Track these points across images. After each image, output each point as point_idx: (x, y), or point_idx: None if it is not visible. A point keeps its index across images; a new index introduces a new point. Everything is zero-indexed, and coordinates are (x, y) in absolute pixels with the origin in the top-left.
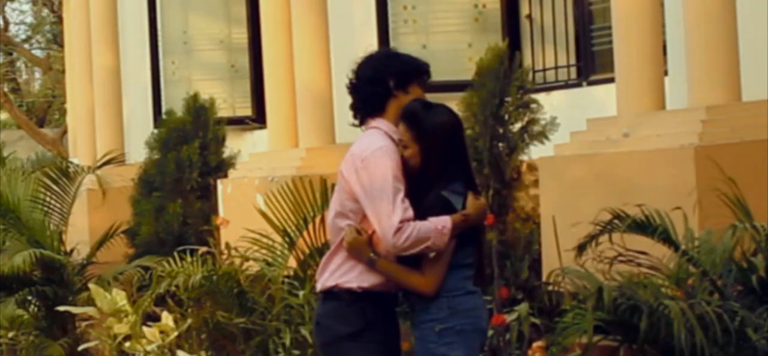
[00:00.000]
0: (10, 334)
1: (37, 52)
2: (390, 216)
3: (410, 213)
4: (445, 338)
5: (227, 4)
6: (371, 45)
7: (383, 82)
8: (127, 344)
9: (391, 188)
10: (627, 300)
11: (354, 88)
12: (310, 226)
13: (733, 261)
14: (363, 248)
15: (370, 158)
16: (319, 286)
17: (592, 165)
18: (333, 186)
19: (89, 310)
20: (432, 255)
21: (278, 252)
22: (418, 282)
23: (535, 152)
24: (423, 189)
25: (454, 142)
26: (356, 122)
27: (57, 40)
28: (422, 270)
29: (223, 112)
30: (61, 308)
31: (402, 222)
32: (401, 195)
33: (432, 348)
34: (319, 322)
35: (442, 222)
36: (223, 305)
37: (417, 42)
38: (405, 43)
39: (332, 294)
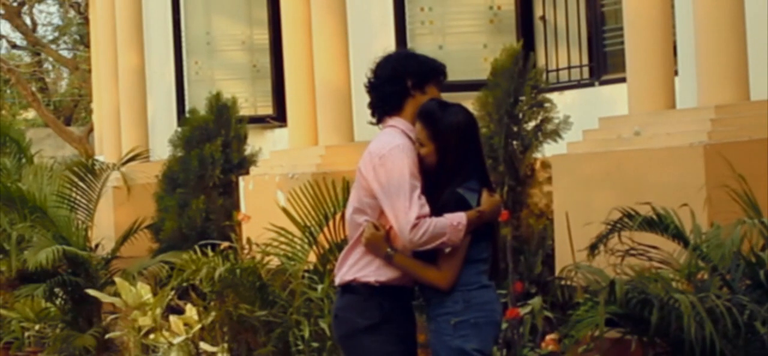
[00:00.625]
0: (37, 326)
1: (64, 53)
2: (407, 213)
3: (426, 209)
4: (460, 331)
5: (249, 5)
6: (389, 45)
7: (401, 81)
8: (152, 336)
9: (408, 185)
10: (638, 293)
11: (372, 87)
12: (330, 222)
13: (741, 256)
14: (381, 243)
15: (387, 156)
16: (337, 280)
17: (604, 162)
18: (352, 183)
19: (115, 300)
20: (447, 250)
21: (298, 247)
22: (434, 277)
23: (548, 150)
24: (439, 186)
25: (469, 141)
26: (374, 120)
27: (83, 41)
28: (438, 264)
29: (244, 110)
30: (90, 291)
31: (418, 218)
32: (417, 192)
33: (447, 341)
34: (337, 315)
35: (458, 219)
36: (244, 298)
37: (433, 43)
38: (422, 43)
39: (350, 287)
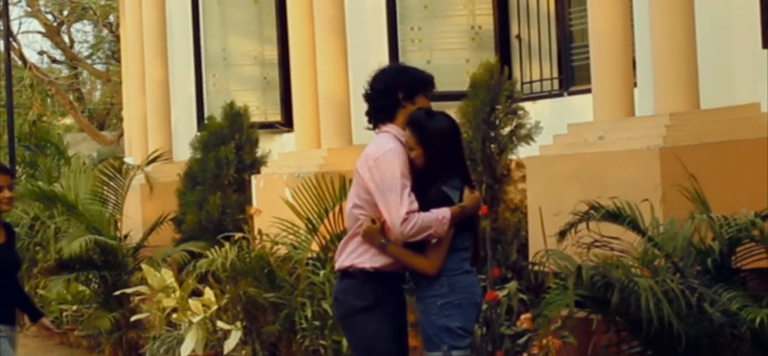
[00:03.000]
0: (74, 307)
1: (98, 66)
2: (398, 209)
3: (415, 205)
4: (445, 311)
5: (261, 25)
6: (383, 60)
7: (394, 93)
8: (175, 315)
9: (399, 184)
10: (602, 278)
11: (368, 98)
12: (331, 215)
13: (692, 245)
14: (376, 235)
15: (381, 158)
16: (337, 266)
17: (572, 163)
18: (351, 181)
19: (141, 288)
20: (434, 241)
21: (303, 238)
22: (423, 264)
23: (522, 152)
24: (426, 184)
25: (452, 145)
26: (370, 126)
27: (115, 56)
28: (426, 253)
29: (256, 117)
30: (117, 293)
31: (408, 213)
32: (407, 190)
33: (434, 320)
34: (337, 297)
35: (442, 213)
36: (255, 283)
37: (422, 58)
38: (412, 58)
39: (348, 273)
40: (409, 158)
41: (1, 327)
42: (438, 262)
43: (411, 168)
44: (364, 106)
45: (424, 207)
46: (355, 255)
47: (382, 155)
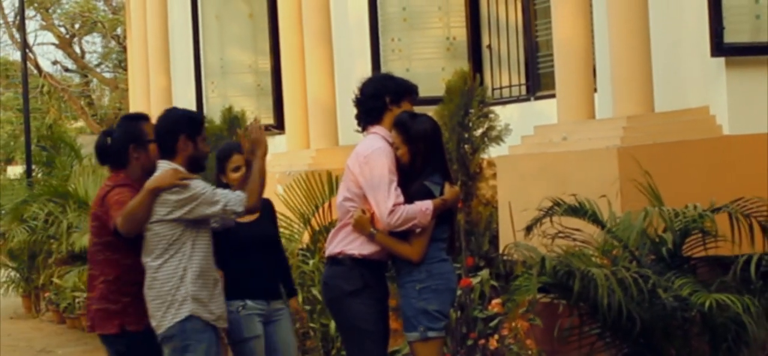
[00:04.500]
0: (85, 295)
1: (107, 75)
2: (386, 201)
3: (401, 198)
4: (423, 294)
5: (255, 37)
6: (366, 68)
7: (382, 98)
8: None
9: (386, 180)
10: (564, 267)
11: (359, 102)
12: (320, 209)
13: (647, 236)
14: (366, 224)
15: (370, 156)
16: (327, 253)
17: (538, 162)
18: (338, 178)
19: None
20: (418, 230)
21: (295, 229)
22: (407, 251)
23: (493, 152)
24: (410, 179)
25: (433, 145)
26: (359, 129)
27: (122, 65)
28: (410, 242)
29: (251, 121)
30: None
31: (395, 205)
32: (394, 184)
33: (413, 303)
34: (326, 282)
35: (426, 205)
36: None
37: (402, 66)
38: (392, 67)
39: (338, 259)
40: (396, 156)
41: (259, 303)
42: (421, 249)
43: (397, 165)
44: (351, 110)
45: (408, 200)
46: (345, 243)
47: (372, 153)
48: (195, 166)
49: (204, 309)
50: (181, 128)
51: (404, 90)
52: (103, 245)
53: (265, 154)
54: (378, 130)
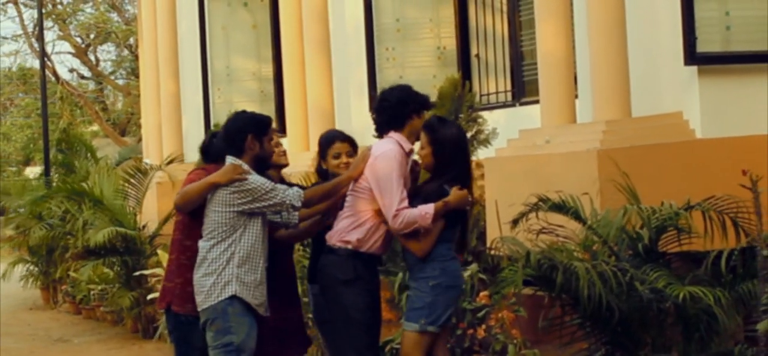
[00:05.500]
0: (100, 287)
1: (120, 82)
2: (391, 207)
3: (405, 203)
4: (435, 290)
5: (258, 46)
6: (363, 77)
7: (407, 106)
8: None
9: (394, 184)
10: (548, 260)
11: (383, 108)
12: None
13: (625, 232)
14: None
15: (381, 157)
16: (328, 241)
17: (523, 163)
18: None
19: (157, 270)
20: (422, 231)
21: None
22: (414, 247)
23: (481, 154)
24: (431, 178)
25: (458, 149)
26: (377, 134)
27: (134, 73)
28: (419, 239)
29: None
30: (136, 274)
31: (398, 210)
32: (401, 189)
33: (424, 297)
34: (321, 270)
35: (426, 209)
36: None
37: (396, 74)
38: (387, 74)
39: (334, 249)
40: (421, 154)
41: None
42: (427, 246)
43: (420, 166)
44: (349, 115)
45: (424, 197)
46: (343, 235)
47: (383, 154)
48: (261, 165)
49: (248, 292)
50: (248, 128)
51: (425, 103)
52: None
53: (353, 176)
54: (395, 135)
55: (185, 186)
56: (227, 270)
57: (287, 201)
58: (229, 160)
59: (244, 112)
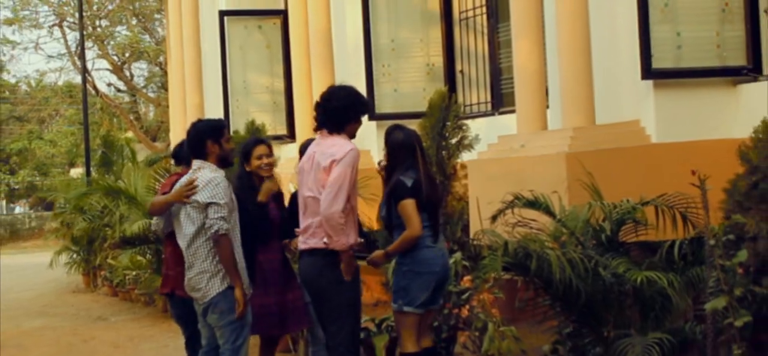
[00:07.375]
0: (134, 273)
1: (151, 94)
2: (338, 203)
3: (347, 206)
4: (406, 276)
5: (271, 63)
6: (362, 90)
7: (351, 110)
8: None
9: (346, 186)
10: (523, 249)
11: (330, 109)
12: None
13: (590, 225)
14: (382, 258)
15: (346, 159)
16: (300, 246)
17: (502, 165)
18: None
19: None
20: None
21: None
22: (408, 237)
23: (465, 157)
24: (390, 175)
25: (407, 150)
26: (318, 129)
27: (164, 86)
28: (401, 236)
29: (269, 131)
30: None
31: (342, 213)
32: (344, 192)
33: (398, 280)
34: (321, 272)
35: (346, 241)
36: None
37: (391, 87)
38: (383, 88)
39: (313, 251)
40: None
41: None
42: (416, 225)
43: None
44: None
45: (388, 191)
46: (316, 239)
47: (347, 155)
48: (224, 163)
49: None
50: (206, 134)
51: (364, 109)
52: None
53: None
54: (342, 136)
55: (158, 194)
56: (215, 263)
57: (218, 215)
58: (197, 163)
59: (200, 120)
